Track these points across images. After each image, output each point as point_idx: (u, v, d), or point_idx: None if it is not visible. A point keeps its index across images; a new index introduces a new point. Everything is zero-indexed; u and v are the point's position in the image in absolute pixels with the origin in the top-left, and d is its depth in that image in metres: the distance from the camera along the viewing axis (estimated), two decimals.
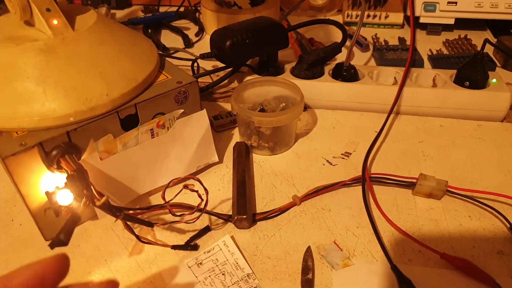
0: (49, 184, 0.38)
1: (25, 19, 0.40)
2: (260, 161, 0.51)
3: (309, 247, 0.40)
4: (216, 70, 0.64)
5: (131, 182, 0.44)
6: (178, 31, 0.81)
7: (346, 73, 0.58)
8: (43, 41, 0.38)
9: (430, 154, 0.51)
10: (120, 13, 0.91)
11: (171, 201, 0.37)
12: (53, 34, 0.39)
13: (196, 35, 0.81)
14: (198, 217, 0.38)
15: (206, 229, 0.42)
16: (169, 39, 0.80)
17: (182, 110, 0.44)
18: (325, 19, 0.65)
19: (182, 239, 0.41)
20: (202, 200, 0.37)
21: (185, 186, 0.36)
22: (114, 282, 0.23)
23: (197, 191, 0.36)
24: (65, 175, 0.38)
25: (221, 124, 0.57)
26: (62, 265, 0.22)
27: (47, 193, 0.39)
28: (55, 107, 0.37)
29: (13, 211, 0.45)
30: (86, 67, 0.39)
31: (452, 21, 0.73)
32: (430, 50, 0.71)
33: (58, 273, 0.22)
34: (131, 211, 0.39)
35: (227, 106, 0.61)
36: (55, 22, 0.39)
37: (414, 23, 0.56)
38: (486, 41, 0.55)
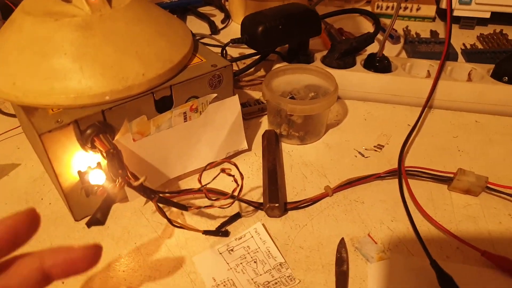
0: (82, 164, 0.38)
1: None
2: (290, 150, 0.50)
3: (342, 238, 0.39)
4: (244, 57, 0.63)
5: (162, 165, 0.43)
6: (204, 17, 0.80)
7: (379, 64, 0.57)
8: (81, 17, 0.37)
9: (465, 150, 0.49)
10: None
11: (206, 186, 0.37)
12: (91, 10, 0.38)
13: (222, 22, 0.79)
14: (232, 203, 0.38)
15: (237, 216, 0.41)
16: (195, 25, 0.79)
17: (216, 95, 0.43)
18: (358, 9, 0.64)
19: (212, 225, 0.41)
20: (238, 185, 0.36)
21: (222, 170, 0.36)
22: (97, 246, 0.22)
23: (233, 176, 0.36)
24: (98, 154, 0.37)
25: (249, 112, 0.56)
26: (33, 220, 0.21)
27: (79, 173, 0.38)
28: (91, 85, 0.36)
29: (42, 190, 0.45)
30: (123, 46, 0.38)
31: (488, 15, 0.71)
32: (464, 44, 0.69)
33: (30, 227, 0.21)
34: (163, 194, 0.39)
35: (254, 94, 0.60)
36: None
37: (444, 15, 0.55)
38: None
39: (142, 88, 0.38)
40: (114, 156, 0.33)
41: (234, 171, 0.36)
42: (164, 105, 0.41)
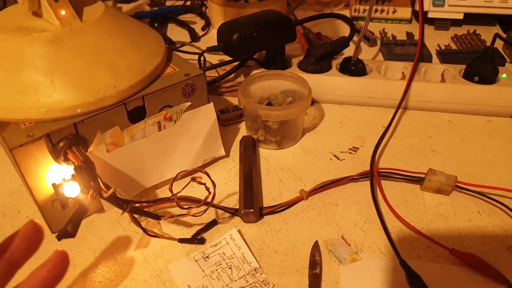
0: (56, 176, 0.38)
1: (33, 9, 0.40)
2: (267, 155, 0.51)
3: (316, 241, 0.40)
4: (223, 63, 0.64)
5: (138, 175, 0.43)
6: (185, 25, 0.80)
7: (354, 68, 0.58)
8: (51, 32, 0.38)
9: (438, 149, 0.50)
10: (126, 7, 0.91)
11: (179, 194, 0.37)
12: (61, 24, 0.39)
13: (203, 29, 0.80)
14: (205, 210, 0.38)
15: (213, 223, 0.42)
16: (175, 33, 0.80)
17: (189, 103, 0.44)
18: (333, 13, 0.65)
19: (188, 233, 0.41)
20: (210, 193, 0.37)
21: (193, 179, 0.36)
22: (61, 253, 0.26)
23: (204, 184, 0.36)
24: (72, 167, 0.38)
25: (227, 118, 0.56)
26: (38, 227, 0.25)
27: (53, 185, 0.39)
28: (62, 98, 0.37)
29: (19, 203, 0.45)
30: (93, 58, 0.39)
31: (461, 16, 0.72)
32: (439, 45, 0.70)
33: (39, 233, 0.25)
34: (138, 204, 0.39)
35: (234, 100, 0.61)
36: (63, 12, 0.39)
37: (422, 17, 0.56)
38: (497, 35, 0.54)
39: (114, 100, 0.39)
40: (83, 169, 0.33)
41: (205, 179, 0.37)
42: (137, 115, 0.42)
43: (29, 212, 0.44)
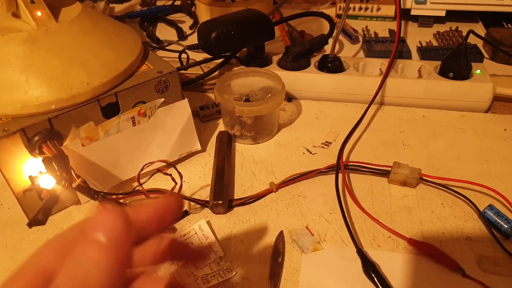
0: (33, 169, 0.40)
1: (11, 11, 0.42)
2: (242, 150, 0.53)
3: (281, 231, 0.41)
4: (204, 61, 0.65)
5: (114, 168, 0.45)
6: (173, 24, 0.82)
7: (331, 65, 0.59)
8: (27, 32, 0.40)
9: (410, 144, 0.52)
10: (118, 7, 0.93)
11: (149, 187, 0.39)
12: (37, 25, 0.41)
13: (190, 28, 0.82)
14: None
15: (185, 214, 0.44)
16: (164, 32, 0.82)
17: (163, 99, 0.46)
18: (312, 12, 0.66)
19: None
20: (176, 183, 0.38)
21: (158, 170, 0.38)
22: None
23: (170, 175, 0.38)
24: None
25: (207, 114, 0.58)
26: (179, 207, 0.23)
27: (30, 177, 0.41)
28: (37, 95, 0.39)
29: (2, 196, 0.47)
30: (68, 57, 0.41)
31: (443, 13, 0.73)
32: (420, 42, 0.71)
33: (175, 213, 0.23)
34: (114, 196, 0.41)
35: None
36: (38, 13, 0.41)
37: (403, 14, 0.57)
38: (470, 32, 0.55)
39: (87, 96, 0.41)
40: (51, 160, 0.35)
41: (172, 170, 0.39)
42: (111, 111, 0.43)
43: (10, 204, 0.46)
